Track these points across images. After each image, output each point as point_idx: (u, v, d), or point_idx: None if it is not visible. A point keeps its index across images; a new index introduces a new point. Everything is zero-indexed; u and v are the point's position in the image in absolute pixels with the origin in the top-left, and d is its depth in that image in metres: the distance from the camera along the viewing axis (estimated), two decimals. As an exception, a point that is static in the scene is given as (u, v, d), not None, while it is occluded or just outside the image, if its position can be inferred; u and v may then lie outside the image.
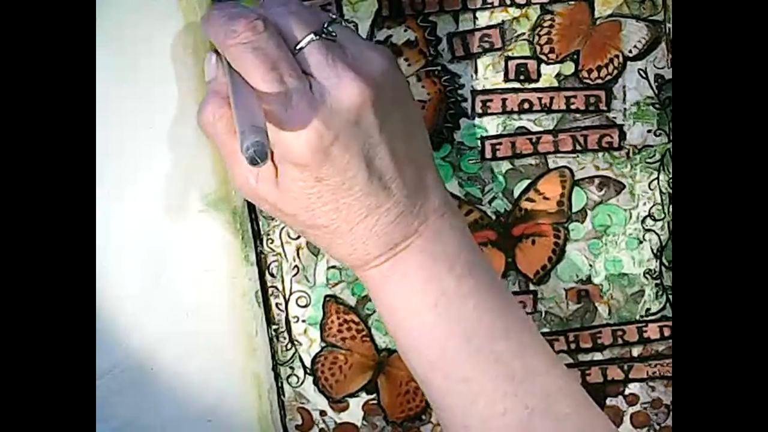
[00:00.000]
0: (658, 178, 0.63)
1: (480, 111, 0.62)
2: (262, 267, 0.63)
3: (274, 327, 0.64)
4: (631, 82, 0.61)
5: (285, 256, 0.63)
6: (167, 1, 0.57)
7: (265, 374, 0.64)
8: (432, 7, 0.60)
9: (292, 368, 0.65)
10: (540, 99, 0.62)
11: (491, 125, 0.62)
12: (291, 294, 0.64)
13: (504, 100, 0.61)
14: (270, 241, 0.62)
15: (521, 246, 0.64)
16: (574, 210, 0.64)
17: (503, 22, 0.60)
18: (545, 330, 0.66)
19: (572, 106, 0.62)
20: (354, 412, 0.66)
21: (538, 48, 0.61)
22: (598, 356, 0.66)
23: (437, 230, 0.54)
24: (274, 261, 0.63)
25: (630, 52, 0.61)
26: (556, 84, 0.61)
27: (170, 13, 0.57)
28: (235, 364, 0.63)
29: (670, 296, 0.65)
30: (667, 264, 0.65)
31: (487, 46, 0.60)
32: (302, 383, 0.65)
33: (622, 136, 0.62)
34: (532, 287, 0.65)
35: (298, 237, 0.62)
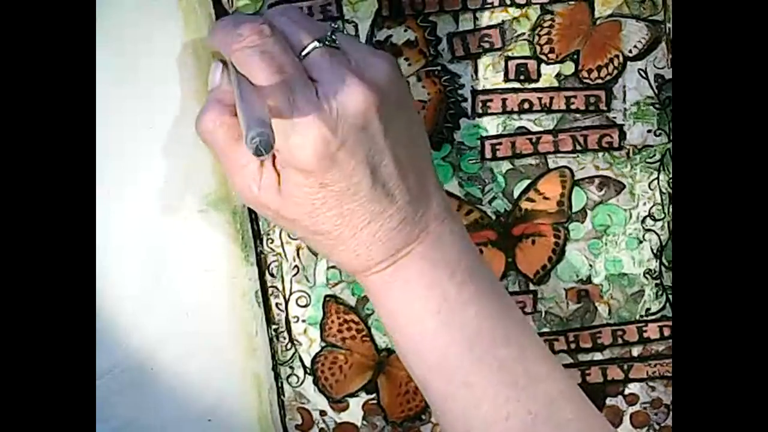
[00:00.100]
0: (658, 178, 0.63)
1: (480, 111, 0.62)
2: (262, 267, 0.63)
3: (274, 327, 0.64)
4: (631, 82, 0.61)
5: (285, 256, 0.63)
6: (167, 1, 0.57)
7: (265, 374, 0.64)
8: (432, 7, 0.60)
9: (292, 368, 0.65)
10: (540, 99, 0.62)
11: (491, 125, 0.62)
12: (291, 294, 0.64)
13: (504, 100, 0.61)
14: (270, 241, 0.62)
15: (521, 246, 0.64)
16: (574, 210, 0.64)
17: (503, 22, 0.60)
18: (545, 330, 0.66)
19: (572, 106, 0.62)
20: (354, 412, 0.66)
21: (538, 48, 0.61)
22: (598, 356, 0.66)
23: (438, 236, 0.54)
24: (274, 261, 0.63)
25: (630, 52, 0.61)
26: (556, 84, 0.61)
27: (170, 13, 0.57)
28: (235, 364, 0.63)
29: (670, 296, 0.65)
30: (667, 264, 0.65)
31: (487, 46, 0.60)
32: (302, 383, 0.65)
33: (622, 136, 0.62)
34: (532, 287, 0.65)
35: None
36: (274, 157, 0.52)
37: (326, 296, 0.64)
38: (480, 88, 0.61)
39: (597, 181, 0.63)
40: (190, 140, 0.58)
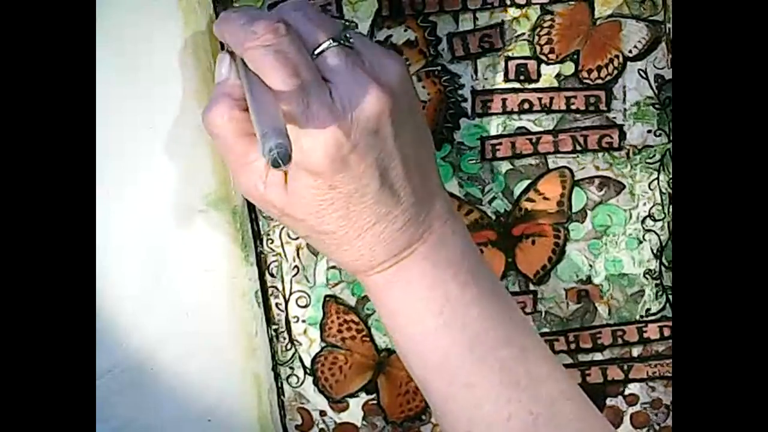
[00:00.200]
0: (658, 178, 0.63)
1: (480, 111, 0.62)
2: (262, 267, 0.63)
3: (274, 327, 0.64)
4: (631, 82, 0.61)
5: (285, 256, 0.63)
6: (167, 1, 0.57)
7: (265, 374, 0.64)
8: (432, 7, 0.60)
9: (292, 368, 0.65)
10: (540, 99, 0.62)
11: (491, 125, 0.62)
12: (291, 294, 0.64)
13: (504, 100, 0.61)
14: (270, 241, 0.62)
15: (521, 246, 0.64)
16: (574, 210, 0.64)
17: (503, 22, 0.60)
18: (545, 330, 0.66)
19: (572, 107, 0.62)
20: (354, 412, 0.66)
21: (538, 48, 0.61)
22: (598, 356, 0.66)
23: (441, 237, 0.54)
24: (274, 261, 0.63)
25: (630, 52, 0.61)
26: (556, 84, 0.61)
27: (170, 13, 0.57)
28: (235, 364, 0.63)
29: (670, 296, 0.65)
30: (667, 264, 0.65)
31: (487, 46, 0.60)
32: (302, 383, 0.65)
33: (622, 136, 0.62)
34: (532, 287, 0.65)
35: (299, 237, 0.62)
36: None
37: (326, 296, 0.64)
38: (480, 88, 0.61)
39: (597, 181, 0.63)
40: (190, 140, 0.59)
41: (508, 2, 0.60)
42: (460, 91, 0.61)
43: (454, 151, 0.62)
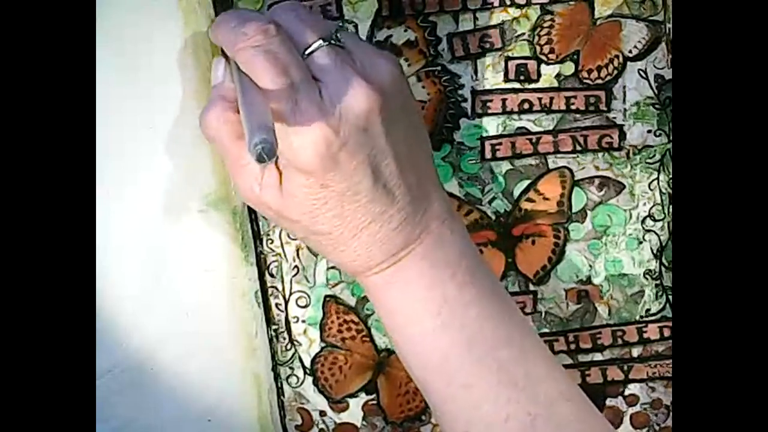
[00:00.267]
0: (658, 178, 0.63)
1: (480, 111, 0.62)
2: (262, 267, 0.63)
3: (273, 327, 0.64)
4: (631, 83, 0.61)
5: (285, 256, 0.63)
6: (167, 1, 0.57)
7: (265, 374, 0.64)
8: (432, 7, 0.60)
9: (291, 368, 0.65)
10: (540, 99, 0.62)
11: (491, 125, 0.62)
12: (291, 294, 0.64)
13: (504, 101, 0.61)
14: (270, 241, 0.62)
15: (521, 246, 0.64)
16: (574, 210, 0.64)
17: (503, 22, 0.60)
18: (545, 330, 0.66)
19: (572, 107, 0.62)
20: (354, 413, 0.66)
21: (538, 48, 0.61)
22: (597, 357, 0.66)
23: (439, 237, 0.54)
24: (274, 261, 0.63)
25: (630, 52, 0.61)
26: (556, 84, 0.61)
27: (170, 13, 0.57)
28: (235, 364, 0.63)
29: (670, 297, 0.65)
30: (667, 264, 0.65)
31: (487, 46, 0.60)
32: (302, 383, 0.65)
33: (622, 136, 0.62)
34: (532, 287, 0.65)
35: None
36: (277, 156, 0.52)
37: (326, 296, 0.64)
38: (480, 88, 0.61)
39: (597, 181, 0.63)
40: (190, 140, 0.58)
41: (508, 2, 0.60)
42: (460, 91, 0.61)
43: (454, 151, 0.62)
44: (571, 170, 0.63)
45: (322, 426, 0.66)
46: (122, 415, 0.63)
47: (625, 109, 0.62)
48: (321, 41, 0.51)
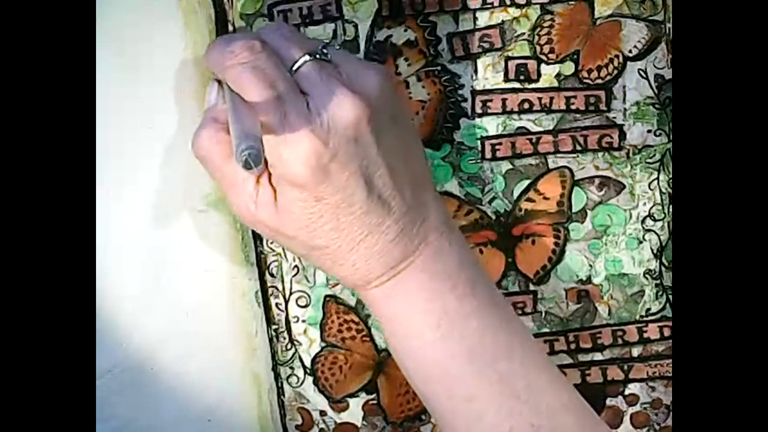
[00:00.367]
0: (658, 178, 0.63)
1: (480, 111, 0.62)
2: (262, 267, 0.63)
3: (274, 327, 0.64)
4: (631, 82, 0.61)
5: (285, 256, 0.63)
6: (167, 1, 0.57)
7: (265, 374, 0.64)
8: (432, 7, 0.60)
9: (292, 368, 0.65)
10: (540, 99, 0.62)
11: (491, 125, 0.62)
12: (291, 294, 0.64)
13: (504, 100, 0.61)
14: (270, 241, 0.62)
15: (521, 246, 0.64)
16: (574, 210, 0.64)
17: (503, 22, 0.60)
18: (545, 330, 0.66)
19: (572, 106, 0.62)
20: (354, 412, 0.66)
21: (538, 48, 0.61)
22: (598, 356, 0.66)
23: (437, 249, 0.54)
24: (274, 261, 0.63)
25: (630, 52, 0.61)
26: (556, 84, 0.61)
27: (170, 13, 0.57)
28: (235, 364, 0.63)
29: (670, 296, 0.65)
30: (667, 264, 0.65)
31: (487, 46, 0.60)
32: (302, 383, 0.65)
33: (622, 136, 0.62)
34: (532, 287, 0.65)
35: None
36: (269, 173, 0.52)
37: (326, 296, 0.64)
38: (480, 88, 0.61)
39: (597, 181, 0.63)
40: (190, 140, 0.58)
41: (508, 2, 0.60)
42: (460, 91, 0.61)
43: (454, 151, 0.62)
44: (571, 170, 0.63)
45: (322, 426, 0.66)
46: (122, 415, 0.63)
47: (625, 109, 0.62)
48: (307, 56, 0.52)
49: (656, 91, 0.62)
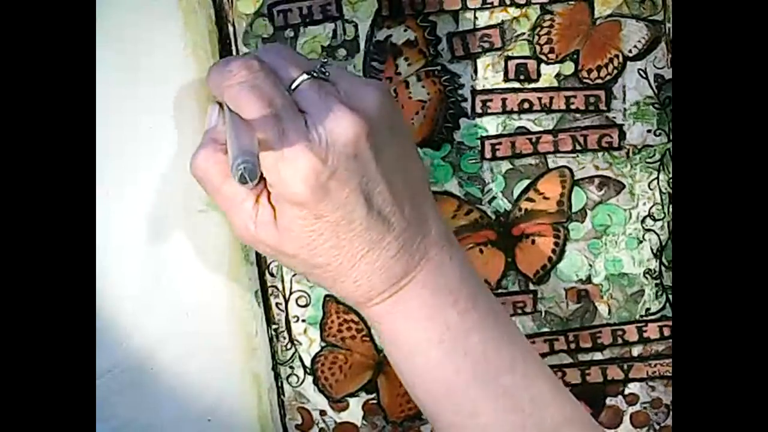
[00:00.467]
0: (658, 178, 0.63)
1: (480, 111, 0.62)
2: (262, 267, 0.63)
3: (274, 327, 0.64)
4: (631, 82, 0.61)
5: (285, 256, 0.63)
6: (167, 1, 0.57)
7: (265, 374, 0.64)
8: (432, 7, 0.60)
9: (292, 368, 0.65)
10: (540, 99, 0.62)
11: (491, 125, 0.62)
12: (291, 294, 0.64)
13: (504, 100, 0.61)
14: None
15: (521, 246, 0.64)
16: (574, 210, 0.64)
17: (503, 22, 0.60)
18: (545, 330, 0.66)
19: (572, 106, 0.62)
20: (354, 412, 0.66)
21: (538, 48, 0.61)
22: (597, 356, 0.66)
23: (439, 263, 0.54)
24: (273, 261, 0.63)
25: (630, 52, 0.61)
26: (556, 84, 0.61)
27: (170, 13, 0.57)
28: (235, 364, 0.63)
29: (670, 296, 0.65)
30: (666, 264, 0.65)
31: (487, 46, 0.60)
32: (302, 383, 0.65)
33: (622, 136, 0.62)
34: (532, 287, 0.65)
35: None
36: (268, 193, 0.52)
37: (326, 296, 0.64)
38: (480, 88, 0.61)
39: (597, 180, 0.63)
40: (190, 140, 0.58)
41: (508, 2, 0.60)
42: (460, 91, 0.61)
43: (454, 151, 0.62)
44: (570, 170, 0.63)
45: (322, 425, 0.66)
46: (122, 415, 0.63)
47: (624, 109, 0.62)
48: (305, 75, 0.52)
49: (656, 90, 0.62)
